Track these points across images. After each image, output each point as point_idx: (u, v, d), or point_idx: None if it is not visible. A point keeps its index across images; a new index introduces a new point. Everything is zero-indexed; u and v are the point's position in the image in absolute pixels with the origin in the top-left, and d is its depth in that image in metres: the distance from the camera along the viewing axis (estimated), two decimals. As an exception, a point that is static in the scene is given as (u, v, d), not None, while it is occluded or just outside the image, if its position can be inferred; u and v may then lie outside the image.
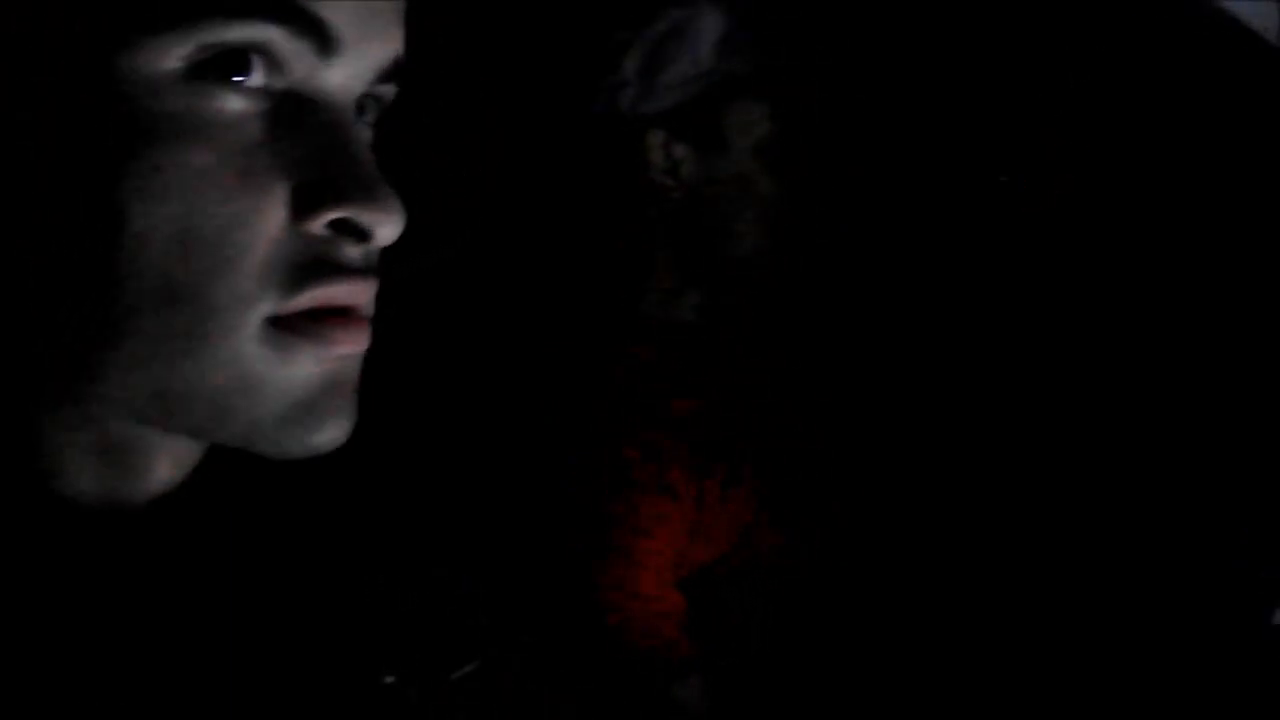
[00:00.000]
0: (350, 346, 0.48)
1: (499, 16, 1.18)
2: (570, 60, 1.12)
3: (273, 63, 0.46)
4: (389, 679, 0.54)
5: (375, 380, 0.52)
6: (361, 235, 0.48)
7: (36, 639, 0.48)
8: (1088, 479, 1.21)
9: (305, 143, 0.47)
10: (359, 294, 0.49)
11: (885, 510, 1.15)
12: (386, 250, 0.51)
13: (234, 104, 0.46)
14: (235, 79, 0.45)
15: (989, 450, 1.21)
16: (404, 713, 0.54)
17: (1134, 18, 1.28)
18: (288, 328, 0.47)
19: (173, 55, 0.44)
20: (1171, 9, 1.27)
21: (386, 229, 0.48)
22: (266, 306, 0.46)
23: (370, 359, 0.51)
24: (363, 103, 0.51)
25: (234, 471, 0.54)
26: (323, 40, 0.47)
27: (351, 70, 0.48)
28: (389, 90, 0.52)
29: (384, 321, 0.52)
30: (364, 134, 0.51)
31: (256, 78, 0.46)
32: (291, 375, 0.47)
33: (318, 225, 0.47)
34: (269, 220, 0.46)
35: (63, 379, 0.48)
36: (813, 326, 1.19)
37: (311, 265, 0.47)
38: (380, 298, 0.51)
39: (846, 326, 1.23)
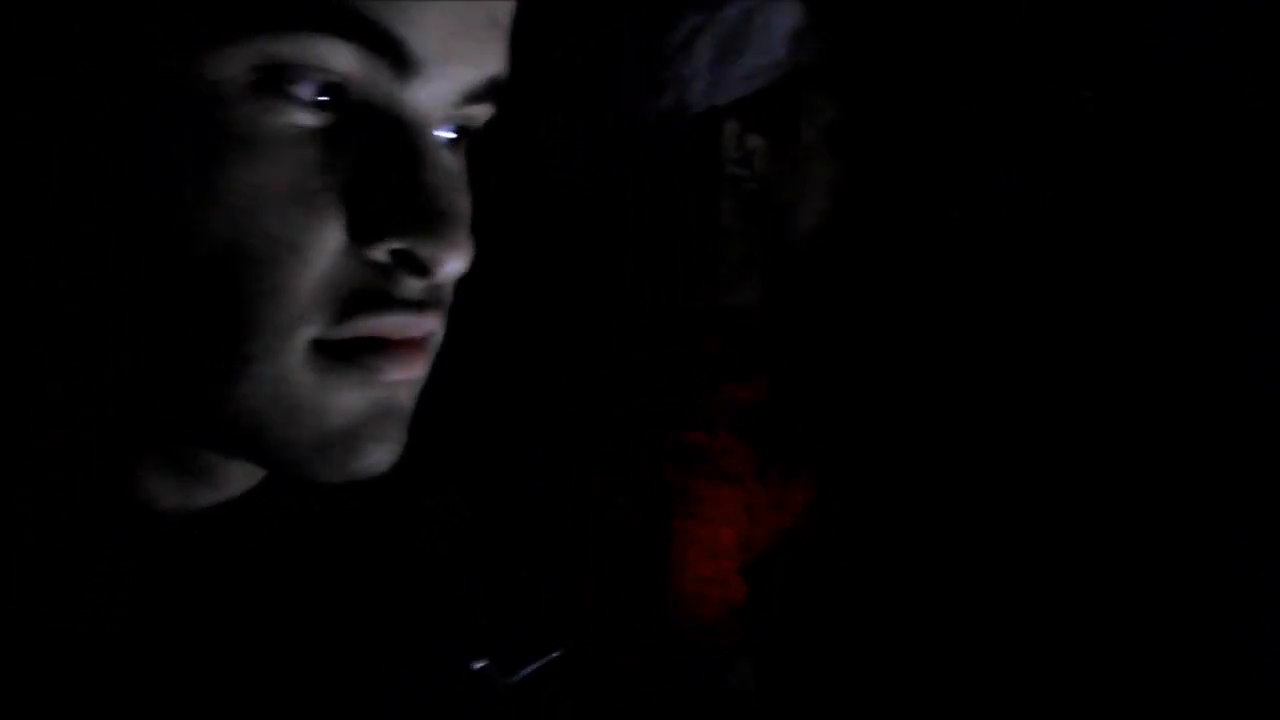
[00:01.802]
0: (401, 375, 0.46)
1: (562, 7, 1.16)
2: (637, 49, 1.11)
3: (345, 79, 0.43)
4: (478, 664, 0.53)
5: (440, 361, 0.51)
6: (421, 269, 0.45)
7: (123, 642, 0.47)
8: (1087, 478, 1.22)
9: (373, 165, 0.44)
10: (413, 327, 0.46)
11: (946, 498, 1.15)
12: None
13: (300, 119, 0.43)
14: (303, 94, 0.43)
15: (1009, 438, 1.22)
16: (492, 697, 0.54)
17: (1120, 23, 1.30)
18: (334, 354, 0.45)
19: (238, 63, 0.41)
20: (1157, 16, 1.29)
21: (448, 266, 0.45)
22: (313, 330, 0.44)
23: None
24: (453, 125, 0.48)
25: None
26: (400, 60, 0.44)
27: (433, 92, 0.45)
28: (482, 111, 0.49)
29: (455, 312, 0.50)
30: (446, 159, 0.47)
31: (323, 93, 0.43)
32: (333, 401, 0.45)
33: (376, 254, 0.45)
34: (324, 244, 0.44)
35: (128, 398, 0.46)
36: (872, 312, 1.19)
37: (365, 294, 0.45)
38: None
39: (905, 312, 1.23)
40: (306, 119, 0.43)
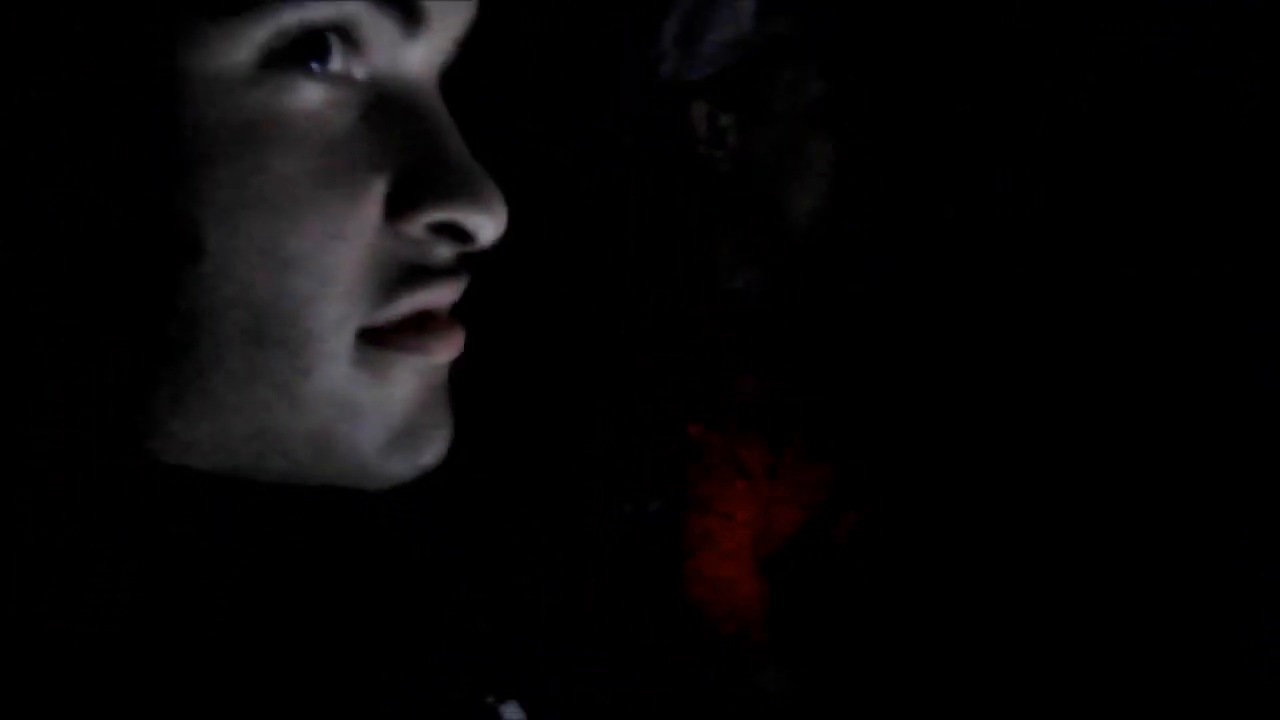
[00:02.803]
0: (449, 353, 0.44)
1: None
2: (608, 31, 1.09)
3: (353, 45, 0.40)
4: (489, 699, 0.52)
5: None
6: (463, 237, 0.42)
7: (126, 652, 0.42)
8: (1086, 479, 1.22)
9: (395, 134, 0.41)
10: (449, 295, 0.44)
11: (963, 483, 1.12)
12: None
13: (314, 96, 0.39)
14: (313, 67, 0.39)
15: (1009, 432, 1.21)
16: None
17: (1116, 22, 1.29)
18: (382, 342, 0.42)
19: (246, 45, 0.38)
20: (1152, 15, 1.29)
21: (490, 230, 0.43)
22: (360, 319, 0.41)
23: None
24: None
25: None
26: (408, 15, 0.41)
27: (433, 46, 0.43)
28: (452, 57, 0.46)
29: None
30: (449, 116, 0.44)
31: (336, 63, 0.40)
32: (392, 395, 0.42)
33: (415, 228, 0.42)
34: (363, 226, 0.40)
35: (138, 429, 0.41)
36: (877, 292, 1.15)
37: (407, 271, 0.42)
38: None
39: (911, 290, 1.19)
40: (321, 94, 0.40)
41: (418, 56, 0.42)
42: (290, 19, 0.38)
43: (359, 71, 0.41)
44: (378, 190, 0.41)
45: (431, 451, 0.44)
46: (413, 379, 0.43)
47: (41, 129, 0.38)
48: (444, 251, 0.43)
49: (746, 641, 0.97)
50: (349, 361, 0.41)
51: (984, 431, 1.21)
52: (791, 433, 1.04)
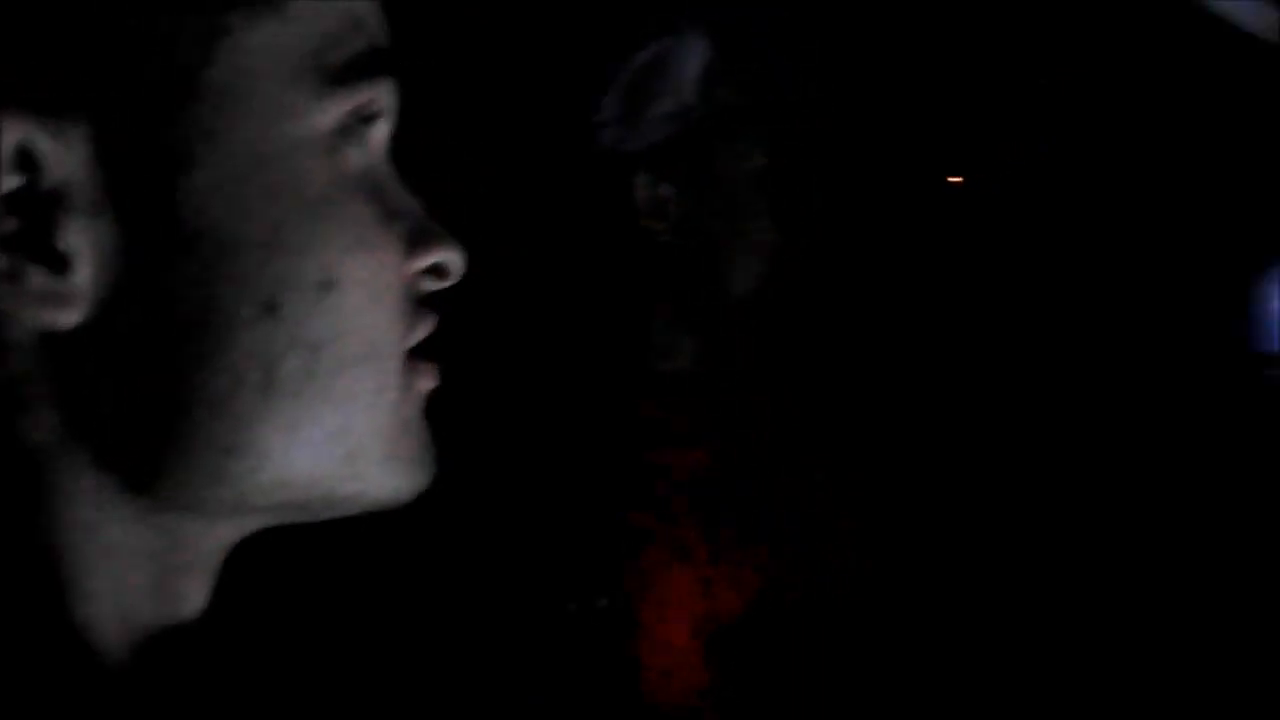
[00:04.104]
0: (434, 381, 0.50)
1: (478, 57, 1.13)
2: (551, 101, 1.07)
3: (384, 119, 0.48)
4: None
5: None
6: (443, 275, 0.49)
7: None
8: (1086, 477, 1.22)
9: (391, 193, 0.48)
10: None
11: (909, 552, 1.10)
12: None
13: (359, 160, 0.46)
14: (363, 135, 0.46)
15: (996, 471, 1.20)
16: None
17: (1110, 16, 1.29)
18: (411, 366, 0.48)
19: (330, 117, 0.44)
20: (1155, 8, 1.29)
21: (461, 269, 0.50)
22: (401, 345, 0.48)
23: None
24: None
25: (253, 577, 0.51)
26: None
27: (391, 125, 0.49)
28: None
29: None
30: None
31: (379, 132, 0.47)
32: (414, 412, 0.48)
33: (420, 265, 0.48)
34: (395, 263, 0.47)
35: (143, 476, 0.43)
36: (817, 365, 1.13)
37: (416, 305, 0.48)
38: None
39: (852, 361, 1.18)
40: (361, 160, 0.47)
41: (382, 133, 0.49)
42: (366, 95, 0.46)
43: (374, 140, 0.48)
44: (398, 233, 0.47)
45: (429, 472, 0.49)
46: (414, 405, 0.49)
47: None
48: (430, 290, 0.50)
49: None
50: (401, 380, 0.47)
51: (959, 477, 1.20)
52: (729, 512, 1.02)
